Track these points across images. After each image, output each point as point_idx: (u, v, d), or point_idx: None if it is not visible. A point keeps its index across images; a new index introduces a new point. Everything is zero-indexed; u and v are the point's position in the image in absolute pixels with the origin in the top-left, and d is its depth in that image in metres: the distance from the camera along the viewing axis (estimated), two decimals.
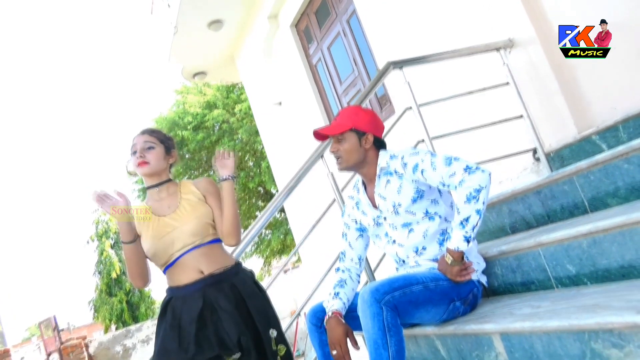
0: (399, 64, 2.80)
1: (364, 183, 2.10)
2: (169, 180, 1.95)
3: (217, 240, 1.90)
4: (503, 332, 1.57)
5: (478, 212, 1.71)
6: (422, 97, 2.86)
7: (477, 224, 1.72)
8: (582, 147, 2.64)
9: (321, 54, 5.38)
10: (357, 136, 2.01)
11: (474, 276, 1.87)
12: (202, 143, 15.10)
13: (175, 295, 1.82)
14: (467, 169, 1.73)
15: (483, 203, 1.71)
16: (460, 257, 1.78)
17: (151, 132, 1.96)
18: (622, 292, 1.40)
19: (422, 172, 1.85)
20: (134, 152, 1.90)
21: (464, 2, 3.32)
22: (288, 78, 5.99)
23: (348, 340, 1.84)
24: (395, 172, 1.94)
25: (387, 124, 4.11)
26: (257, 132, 13.00)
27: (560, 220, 2.16)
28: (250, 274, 1.94)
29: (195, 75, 7.28)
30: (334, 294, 2.00)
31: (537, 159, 2.89)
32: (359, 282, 2.12)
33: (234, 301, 1.79)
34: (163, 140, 1.96)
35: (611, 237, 1.55)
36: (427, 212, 1.91)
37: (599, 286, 1.58)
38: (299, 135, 5.94)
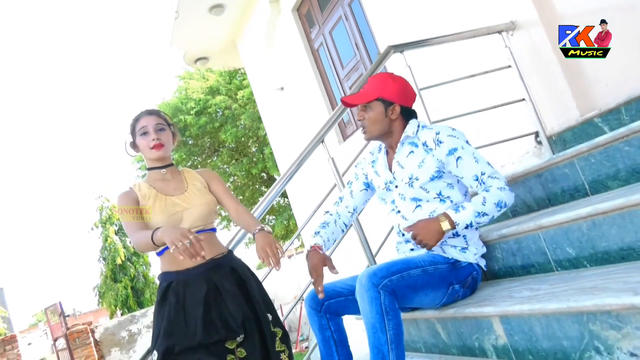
0: (400, 48, 2.78)
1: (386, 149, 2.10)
2: (172, 164, 1.95)
3: (214, 230, 1.91)
4: (503, 315, 1.58)
5: (493, 218, 1.78)
6: (423, 80, 2.84)
7: (483, 224, 1.80)
8: (584, 130, 2.63)
9: (323, 39, 5.34)
10: (384, 106, 1.98)
11: (472, 259, 1.88)
12: (204, 128, 15.10)
13: (176, 279, 1.77)
14: (506, 184, 1.80)
15: (498, 213, 1.79)
16: (449, 229, 1.77)
17: (159, 114, 1.93)
18: (620, 274, 1.40)
19: (458, 158, 1.83)
20: (145, 133, 1.85)
21: None
22: (290, 63, 5.96)
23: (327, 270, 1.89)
24: (424, 144, 1.91)
25: None
26: (259, 118, 12.99)
27: (561, 203, 2.16)
28: (241, 261, 1.95)
29: (197, 60, 7.25)
30: (315, 232, 2.06)
31: (539, 143, 2.88)
32: (343, 231, 2.15)
33: (235, 284, 1.80)
34: (169, 122, 1.95)
35: (611, 219, 1.54)
36: (440, 193, 1.90)
37: (598, 268, 1.59)
38: (302, 120, 5.93)
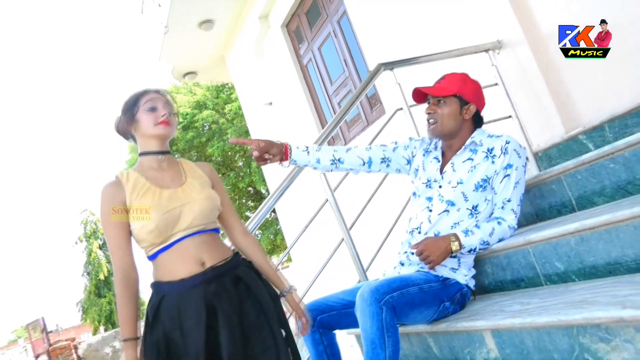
0: (390, 65, 2.83)
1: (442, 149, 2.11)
2: (169, 152, 1.70)
3: (217, 230, 1.66)
4: (494, 328, 1.61)
5: (487, 248, 1.91)
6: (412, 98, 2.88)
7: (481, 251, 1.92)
8: (569, 147, 2.69)
9: (312, 55, 5.40)
10: (460, 104, 1.99)
11: (462, 280, 1.91)
12: (191, 142, 15.08)
13: (167, 292, 1.48)
14: (516, 225, 1.93)
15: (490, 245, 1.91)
16: (457, 250, 1.83)
17: (169, 96, 1.71)
18: (608, 288, 1.44)
19: (507, 175, 1.90)
20: (153, 108, 1.61)
21: (453, 4, 3.36)
22: (279, 78, 6.00)
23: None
24: (489, 150, 1.93)
25: (377, 125, 4.16)
26: (247, 132, 13.01)
27: (549, 218, 2.20)
28: (250, 264, 1.68)
29: (185, 75, 7.27)
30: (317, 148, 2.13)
31: (526, 159, 2.93)
32: (353, 162, 2.13)
33: (238, 298, 1.53)
34: (175, 111, 1.71)
35: (598, 235, 1.59)
36: (475, 207, 1.93)
37: (586, 282, 1.62)
38: (290, 136, 5.96)
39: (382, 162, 2.16)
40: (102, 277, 21.59)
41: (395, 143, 2.21)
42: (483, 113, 2.13)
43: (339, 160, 2.12)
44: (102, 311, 21.26)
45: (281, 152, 1.99)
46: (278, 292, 1.68)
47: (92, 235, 22.70)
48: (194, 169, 1.69)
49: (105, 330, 20.43)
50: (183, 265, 1.51)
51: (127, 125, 1.64)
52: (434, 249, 1.81)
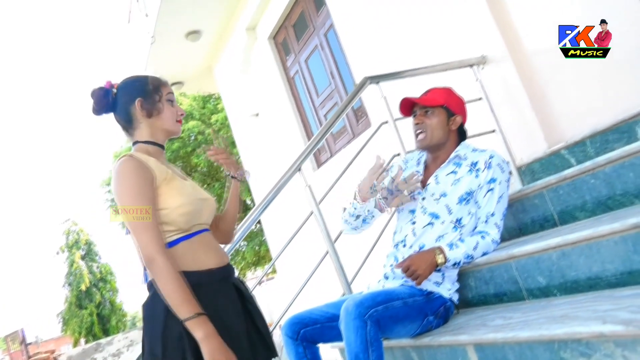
0: (376, 79, 2.85)
1: (425, 162, 2.13)
2: None
3: None
4: (477, 343, 1.61)
5: (471, 262, 1.91)
6: (398, 111, 2.90)
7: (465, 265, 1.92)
8: (551, 162, 2.72)
9: (299, 67, 5.42)
10: (447, 114, 2.03)
11: (446, 294, 1.91)
12: (177, 153, 15.00)
13: (200, 282, 1.37)
14: (499, 239, 1.95)
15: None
16: (442, 263, 1.84)
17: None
18: (589, 303, 1.45)
19: (490, 189, 1.92)
20: (170, 100, 1.55)
21: (438, 19, 3.40)
22: (265, 90, 6.02)
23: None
24: (473, 164, 1.95)
25: (363, 137, 4.18)
26: (233, 143, 12.99)
27: (531, 233, 2.22)
28: None
29: (172, 85, 7.22)
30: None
31: (509, 173, 2.97)
32: (364, 226, 2.17)
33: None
34: None
35: (579, 249, 1.60)
36: (459, 220, 1.94)
37: (567, 297, 1.64)
38: (276, 147, 5.96)
39: (371, 217, 2.18)
40: (83, 287, 21.27)
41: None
42: (467, 127, 2.16)
43: (365, 221, 2.16)
44: (83, 322, 20.93)
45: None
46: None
47: (74, 245, 22.41)
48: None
49: (86, 342, 20.11)
50: (210, 255, 1.45)
51: (144, 109, 1.51)
52: (420, 263, 1.81)
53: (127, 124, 1.54)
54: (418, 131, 2.05)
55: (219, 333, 1.29)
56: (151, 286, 1.38)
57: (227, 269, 1.48)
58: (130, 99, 1.52)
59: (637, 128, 2.32)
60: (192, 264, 1.39)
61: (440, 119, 2.03)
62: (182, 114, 1.57)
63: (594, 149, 2.50)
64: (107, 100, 1.53)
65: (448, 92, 2.09)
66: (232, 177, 1.71)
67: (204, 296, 1.34)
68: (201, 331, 1.26)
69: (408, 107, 2.12)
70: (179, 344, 1.30)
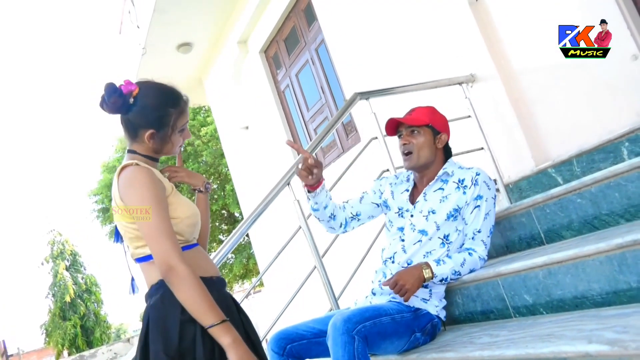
0: (366, 95, 2.87)
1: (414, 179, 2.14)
2: None
3: None
4: None
5: (458, 278, 1.92)
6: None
7: (452, 281, 1.94)
8: (539, 180, 2.75)
9: (289, 81, 5.45)
10: (433, 133, 2.04)
11: (433, 311, 1.91)
12: (165, 164, 14.91)
13: (212, 287, 1.37)
14: (486, 255, 1.97)
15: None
16: (430, 278, 1.84)
17: None
18: (575, 322, 1.45)
19: (477, 206, 1.93)
20: (184, 130, 1.51)
21: (429, 37, 3.44)
22: (256, 103, 6.03)
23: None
24: (460, 181, 1.96)
25: (352, 152, 4.20)
26: (222, 155, 12.96)
27: (519, 250, 2.24)
28: None
29: None
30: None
31: (497, 190, 2.99)
32: (331, 217, 2.17)
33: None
34: None
35: (565, 268, 1.61)
36: (447, 236, 1.95)
37: (554, 316, 1.64)
38: (265, 160, 5.96)
39: (352, 219, 2.22)
40: (67, 299, 20.97)
41: (364, 193, 2.25)
42: (456, 144, 2.18)
43: (334, 216, 2.19)
44: (66, 334, 20.59)
45: (318, 179, 2.03)
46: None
47: (59, 255, 22.13)
48: None
49: (69, 354, 19.78)
50: (209, 264, 1.46)
51: (155, 142, 1.45)
52: (408, 277, 1.81)
53: (132, 136, 1.47)
54: (405, 151, 2.06)
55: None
56: (159, 288, 1.36)
57: (222, 279, 1.49)
58: (143, 123, 1.43)
59: (623, 148, 2.35)
60: (201, 271, 1.38)
61: (427, 138, 2.04)
62: (188, 137, 1.53)
63: (580, 168, 2.53)
64: (118, 106, 1.42)
65: (432, 110, 2.10)
66: (199, 191, 1.66)
67: (231, 300, 1.42)
68: (228, 337, 1.26)
69: (393, 127, 2.13)
70: (192, 346, 1.29)
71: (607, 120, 2.52)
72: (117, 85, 1.42)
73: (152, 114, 1.43)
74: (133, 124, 1.44)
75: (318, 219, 2.21)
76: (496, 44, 3.03)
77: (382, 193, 2.20)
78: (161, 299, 1.34)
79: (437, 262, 1.88)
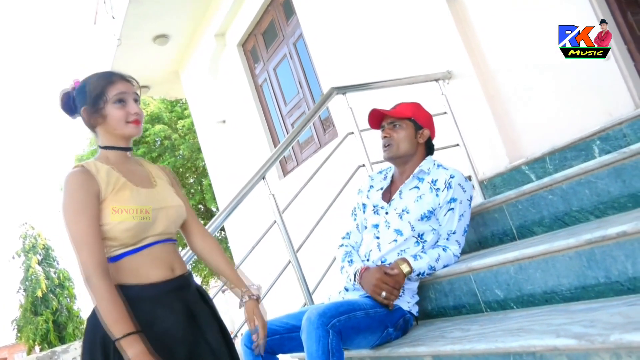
0: (343, 90, 2.86)
1: (392, 177, 2.13)
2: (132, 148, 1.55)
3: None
4: (435, 354, 1.62)
5: (432, 273, 1.92)
6: (364, 122, 2.92)
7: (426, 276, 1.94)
8: (512, 177, 2.78)
9: (267, 75, 5.41)
10: (414, 128, 2.04)
11: (406, 307, 1.92)
12: (142, 157, 14.76)
13: (136, 296, 1.34)
14: (460, 253, 1.99)
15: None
16: (409, 272, 1.85)
17: (137, 83, 1.53)
18: (544, 316, 1.48)
19: (451, 209, 1.94)
20: (122, 101, 1.44)
21: (406, 34, 3.45)
22: (233, 97, 5.98)
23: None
24: (433, 182, 1.96)
25: (329, 147, 4.19)
26: (199, 149, 12.84)
27: (491, 246, 2.26)
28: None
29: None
30: (349, 261, 2.02)
31: (472, 187, 3.02)
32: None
33: (206, 306, 1.51)
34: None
35: (536, 264, 1.63)
36: (421, 235, 1.95)
37: (524, 310, 1.67)
38: (242, 154, 5.92)
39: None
40: (39, 294, 20.60)
41: (354, 216, 2.21)
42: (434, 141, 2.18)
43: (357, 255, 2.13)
44: (37, 330, 20.24)
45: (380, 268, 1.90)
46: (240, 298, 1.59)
47: (31, 249, 21.71)
48: (156, 170, 1.58)
49: (41, 350, 19.46)
50: (154, 269, 1.39)
51: (90, 118, 1.45)
52: (392, 283, 1.81)
53: (89, 129, 1.50)
54: (386, 144, 2.07)
55: (152, 344, 1.27)
56: None
57: (177, 281, 1.42)
58: (80, 103, 1.47)
59: (594, 146, 2.39)
60: (134, 278, 1.36)
61: (408, 131, 2.05)
62: (136, 113, 1.45)
63: (552, 165, 2.57)
64: (69, 104, 1.50)
65: (416, 106, 2.12)
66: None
67: (142, 309, 1.32)
68: (130, 351, 1.24)
69: (376, 120, 2.13)
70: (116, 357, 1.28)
71: (580, 119, 2.56)
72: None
73: (82, 90, 1.47)
74: (77, 108, 1.49)
75: None
76: (473, 41, 3.05)
77: (365, 205, 2.17)
78: (94, 309, 1.32)
79: (415, 257, 1.89)
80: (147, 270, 1.38)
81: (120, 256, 1.37)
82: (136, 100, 1.48)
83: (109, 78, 1.46)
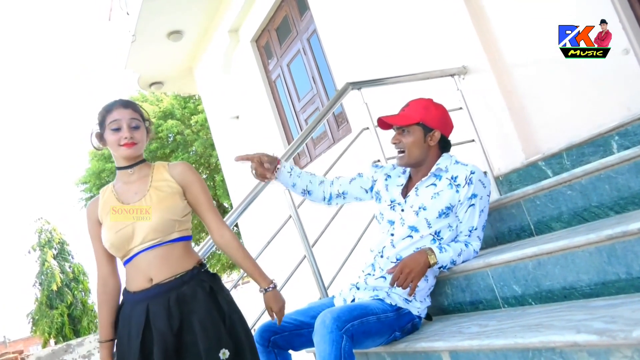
0: (358, 85, 2.86)
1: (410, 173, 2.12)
2: (144, 160, 1.75)
3: (183, 239, 1.67)
4: (452, 349, 1.62)
5: (452, 267, 1.92)
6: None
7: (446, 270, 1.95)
8: (529, 172, 2.76)
9: (280, 71, 5.42)
10: (424, 131, 2.00)
11: (415, 312, 1.91)
12: (155, 153, 14.85)
13: (126, 300, 1.66)
14: (479, 249, 1.99)
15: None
16: (434, 264, 1.84)
17: (135, 107, 1.72)
18: (563, 313, 1.46)
19: (472, 205, 1.91)
20: (116, 129, 1.65)
21: (421, 28, 3.43)
22: (246, 92, 5.99)
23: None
24: (453, 179, 1.92)
25: (344, 143, 4.19)
26: (212, 145, 12.89)
27: (508, 242, 2.25)
28: (210, 279, 1.68)
29: (151, 84, 7.18)
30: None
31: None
32: (318, 196, 2.24)
33: (178, 319, 1.56)
34: (144, 117, 1.76)
35: (554, 259, 1.62)
36: (438, 232, 1.93)
37: (542, 306, 1.66)
38: (256, 150, 5.92)
39: (338, 196, 2.24)
40: (54, 287, 20.84)
41: (357, 175, 2.24)
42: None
43: (309, 192, 2.24)
44: (53, 323, 20.49)
45: (274, 165, 2.15)
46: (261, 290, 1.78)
47: (47, 244, 21.96)
48: (162, 175, 1.72)
49: (56, 343, 19.69)
50: (135, 279, 1.62)
51: (99, 142, 1.74)
52: (414, 263, 1.80)
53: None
54: (398, 150, 2.05)
55: (122, 341, 1.61)
56: None
57: (152, 290, 1.60)
58: (91, 134, 1.76)
59: (613, 142, 2.36)
60: (127, 285, 1.66)
61: (417, 136, 1.99)
62: (126, 137, 1.65)
63: (570, 161, 2.54)
64: (91, 141, 1.80)
65: (426, 105, 2.04)
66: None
67: (124, 312, 1.65)
68: (100, 355, 1.69)
69: (386, 123, 2.11)
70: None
71: (598, 114, 2.53)
72: None
73: (97, 124, 1.74)
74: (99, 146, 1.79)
75: (307, 196, 2.28)
76: (489, 36, 3.03)
77: (374, 182, 2.18)
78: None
79: (440, 249, 1.87)
80: (132, 279, 1.64)
81: (124, 264, 1.67)
82: (135, 126, 1.68)
83: (109, 107, 1.70)
